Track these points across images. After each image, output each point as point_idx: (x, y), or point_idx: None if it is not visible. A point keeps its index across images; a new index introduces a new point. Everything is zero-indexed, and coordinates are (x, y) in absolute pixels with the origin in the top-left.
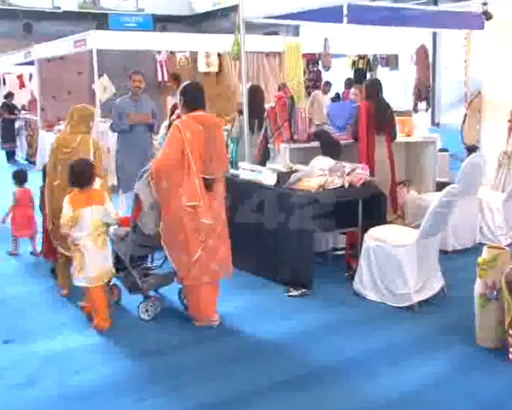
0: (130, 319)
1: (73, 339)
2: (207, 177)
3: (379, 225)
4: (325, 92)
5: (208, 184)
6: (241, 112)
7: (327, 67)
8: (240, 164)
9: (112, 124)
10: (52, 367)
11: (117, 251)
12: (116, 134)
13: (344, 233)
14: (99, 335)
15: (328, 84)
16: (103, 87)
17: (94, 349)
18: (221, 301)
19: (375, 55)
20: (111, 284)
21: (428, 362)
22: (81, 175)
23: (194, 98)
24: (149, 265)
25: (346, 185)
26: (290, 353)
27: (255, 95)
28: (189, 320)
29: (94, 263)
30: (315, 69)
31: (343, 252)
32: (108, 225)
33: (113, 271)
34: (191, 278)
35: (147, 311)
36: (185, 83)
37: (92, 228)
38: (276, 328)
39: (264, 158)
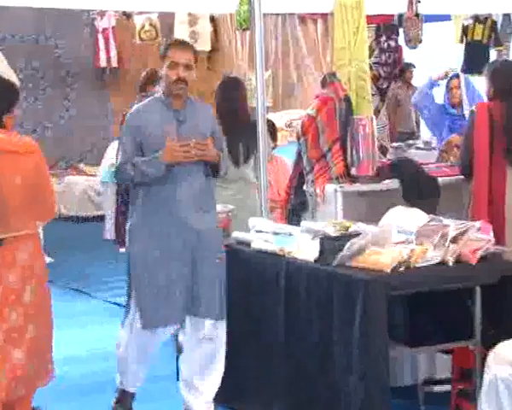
0: None
1: None
2: None
3: None
4: (407, 83)
5: None
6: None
7: (414, 41)
8: (252, 221)
9: (120, 166)
10: None
11: None
12: (125, 187)
13: (448, 352)
14: None
15: (409, 67)
16: None
17: None
18: None
19: (506, 16)
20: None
21: None
22: None
23: None
24: None
25: (451, 262)
26: None
27: (235, 95)
28: None
29: None
30: (392, 44)
31: (447, 387)
32: None
33: None
34: None
35: None
36: None
37: None
38: None
39: (295, 210)
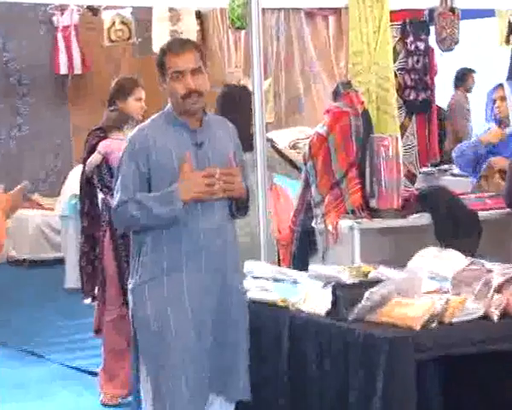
0: None
1: None
2: None
3: None
4: (466, 91)
5: None
6: None
7: (449, 42)
8: (249, 266)
9: (119, 205)
10: None
11: None
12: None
13: None
14: None
15: (470, 72)
16: None
17: None
18: None
19: None
20: None
21: None
22: None
23: None
24: None
25: (496, 316)
26: None
27: (239, 108)
28: None
29: None
30: (421, 46)
31: None
32: None
33: None
34: None
35: None
36: None
37: None
38: None
39: (302, 251)
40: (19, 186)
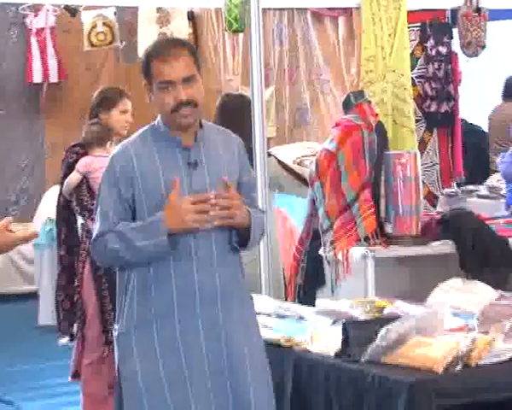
0: None
1: None
2: None
3: None
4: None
5: None
6: None
7: (474, 46)
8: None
9: (98, 237)
10: None
11: None
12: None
13: None
14: None
15: None
16: None
17: None
18: None
19: None
20: None
21: None
22: None
23: None
24: None
25: None
26: None
27: (241, 120)
28: None
29: None
30: (443, 51)
31: None
32: None
33: None
34: None
35: None
36: None
37: None
38: None
39: (308, 283)
40: (28, 232)
